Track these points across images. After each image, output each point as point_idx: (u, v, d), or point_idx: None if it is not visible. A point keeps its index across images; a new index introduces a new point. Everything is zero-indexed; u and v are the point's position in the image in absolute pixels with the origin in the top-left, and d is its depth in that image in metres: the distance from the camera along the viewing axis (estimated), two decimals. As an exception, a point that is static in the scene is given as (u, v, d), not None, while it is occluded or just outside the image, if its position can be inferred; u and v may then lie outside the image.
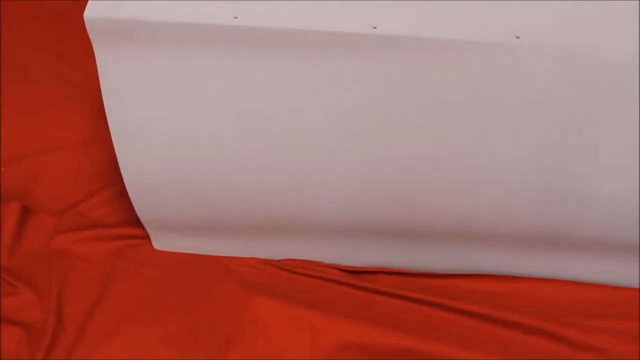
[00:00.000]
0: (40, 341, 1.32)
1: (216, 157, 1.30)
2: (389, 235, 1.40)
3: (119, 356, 1.32)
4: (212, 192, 1.35)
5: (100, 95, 1.22)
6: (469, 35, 1.11)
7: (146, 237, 1.50)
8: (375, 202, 1.33)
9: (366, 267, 1.46)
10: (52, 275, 1.43)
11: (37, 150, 1.65)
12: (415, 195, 1.31)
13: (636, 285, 1.40)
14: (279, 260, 1.47)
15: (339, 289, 1.41)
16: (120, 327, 1.36)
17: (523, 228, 1.34)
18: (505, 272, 1.44)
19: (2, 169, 1.62)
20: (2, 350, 1.31)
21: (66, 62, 1.82)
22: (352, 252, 1.45)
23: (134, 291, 1.42)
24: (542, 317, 1.34)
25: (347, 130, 1.24)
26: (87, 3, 1.13)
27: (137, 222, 1.47)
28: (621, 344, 1.30)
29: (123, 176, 1.34)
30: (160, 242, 1.50)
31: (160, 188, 1.36)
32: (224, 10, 1.13)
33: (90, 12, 1.12)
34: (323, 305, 1.37)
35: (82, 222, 1.53)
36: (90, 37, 1.15)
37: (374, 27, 1.11)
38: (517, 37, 1.10)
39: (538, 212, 1.31)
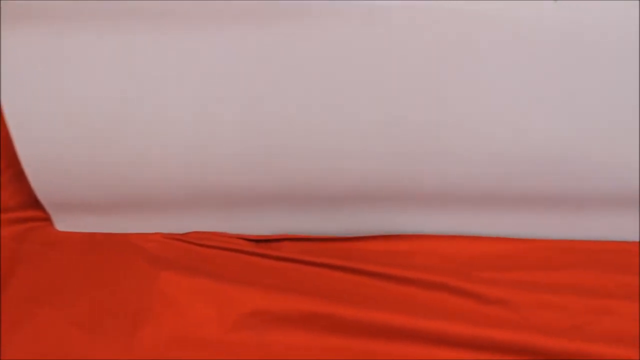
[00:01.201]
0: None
1: (115, 131, 1.29)
2: (292, 202, 1.41)
3: (28, 342, 1.30)
4: (112, 167, 1.35)
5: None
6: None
7: (49, 219, 1.49)
8: (273, 169, 1.34)
9: (272, 235, 1.47)
10: (-48, 262, 1.41)
11: None
12: (312, 160, 1.33)
13: (532, 236, 1.46)
14: (184, 234, 1.48)
15: (246, 258, 1.42)
16: (28, 312, 1.34)
17: (419, 187, 1.37)
18: (410, 232, 1.46)
19: None
20: None
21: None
22: (257, 221, 1.46)
23: (40, 275, 1.40)
24: (447, 273, 1.37)
25: (241, 99, 1.25)
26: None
27: (39, 204, 1.45)
28: (525, 294, 1.33)
29: (19, 156, 1.33)
30: (63, 223, 1.48)
31: (59, 166, 1.34)
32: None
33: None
34: (230, 276, 1.38)
35: (-20, 206, 1.50)
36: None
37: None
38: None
39: (430, 170, 1.34)
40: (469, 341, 1.25)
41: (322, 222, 1.47)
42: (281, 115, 1.27)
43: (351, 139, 1.30)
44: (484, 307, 1.32)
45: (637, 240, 1.43)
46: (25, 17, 1.15)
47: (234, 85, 1.24)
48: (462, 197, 1.39)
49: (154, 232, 1.47)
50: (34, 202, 1.46)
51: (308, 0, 1.14)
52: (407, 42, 1.18)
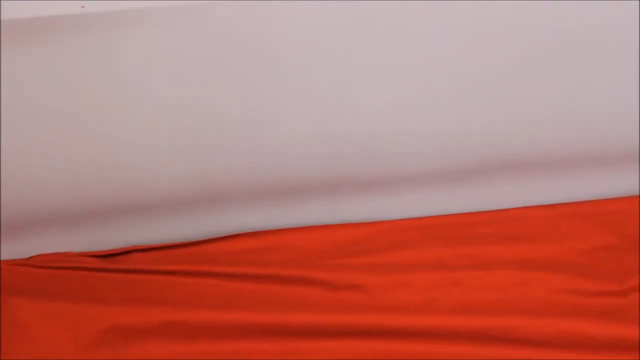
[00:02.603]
0: None
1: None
2: (134, 212, 1.40)
3: None
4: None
5: None
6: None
7: None
8: (110, 181, 1.33)
9: (118, 249, 1.45)
10: None
11: None
12: (144, 169, 1.32)
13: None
14: (27, 259, 1.43)
15: (95, 275, 1.39)
16: None
17: (258, 183, 1.38)
18: (259, 228, 1.47)
19: None
20: None
21: None
22: (102, 236, 1.44)
23: None
24: (300, 265, 1.38)
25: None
26: None
27: None
28: (376, 277, 1.36)
29: None
30: None
31: None
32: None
33: None
34: (81, 295, 1.35)
35: None
36: None
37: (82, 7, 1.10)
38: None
39: (263, 165, 1.36)
40: (327, 329, 1.27)
41: (169, 229, 1.45)
42: (103, 133, 1.26)
43: (179, 144, 1.30)
44: (338, 294, 1.34)
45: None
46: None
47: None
48: (301, 189, 1.41)
49: (-4, 260, 1.42)
50: None
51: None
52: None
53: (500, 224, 1.46)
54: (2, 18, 1.07)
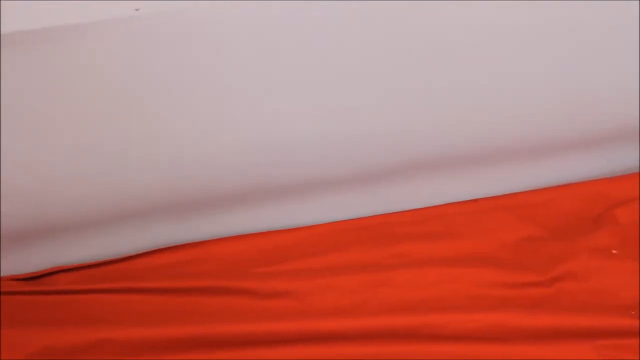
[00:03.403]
0: None
1: None
2: (57, 232, 1.38)
3: None
4: None
5: None
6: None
7: None
8: (29, 202, 1.31)
9: (43, 271, 1.42)
10: None
11: None
12: (66, 187, 1.31)
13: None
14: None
15: (19, 298, 1.36)
16: None
17: (179, 196, 1.38)
18: (189, 240, 1.46)
19: None
20: None
21: None
22: (25, 258, 1.41)
23: None
24: (227, 276, 1.38)
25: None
26: None
27: None
28: (305, 282, 1.36)
29: None
30: None
31: None
32: None
33: None
34: (8, 319, 1.32)
35: None
36: None
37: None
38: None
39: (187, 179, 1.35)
40: (258, 338, 1.27)
41: (95, 247, 1.44)
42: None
43: (98, 160, 1.28)
44: (268, 302, 1.34)
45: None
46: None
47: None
48: (223, 199, 1.41)
49: None
50: None
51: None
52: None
53: (425, 222, 1.47)
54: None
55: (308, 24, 1.18)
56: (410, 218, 1.48)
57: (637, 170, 1.55)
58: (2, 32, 1.07)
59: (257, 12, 1.15)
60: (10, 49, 1.09)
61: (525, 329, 1.26)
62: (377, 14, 1.18)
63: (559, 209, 1.49)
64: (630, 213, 1.43)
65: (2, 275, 1.41)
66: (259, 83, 1.23)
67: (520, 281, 1.34)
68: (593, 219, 1.46)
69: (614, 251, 1.38)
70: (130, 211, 1.38)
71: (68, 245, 1.41)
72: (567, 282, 1.34)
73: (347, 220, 1.48)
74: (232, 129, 1.29)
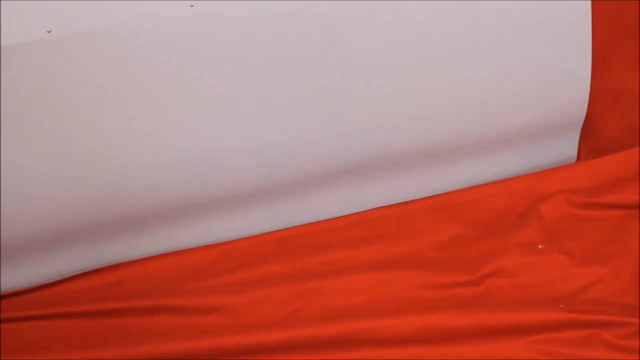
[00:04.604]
0: None
1: None
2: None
3: None
4: None
5: None
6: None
7: None
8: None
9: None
10: None
11: None
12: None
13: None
14: None
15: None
16: None
17: (104, 217, 1.36)
18: (118, 260, 1.43)
19: None
20: None
21: None
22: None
23: None
24: (158, 295, 1.36)
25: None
26: None
27: None
28: (235, 296, 1.35)
29: None
30: None
31: None
32: None
33: None
34: None
35: None
36: None
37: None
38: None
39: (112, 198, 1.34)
40: (192, 355, 1.25)
41: (25, 273, 1.41)
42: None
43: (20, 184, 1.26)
44: (199, 318, 1.33)
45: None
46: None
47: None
48: (149, 217, 1.39)
49: None
50: None
51: None
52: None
53: (354, 228, 1.47)
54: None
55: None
56: (339, 225, 1.48)
57: (563, 164, 1.58)
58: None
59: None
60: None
61: (458, 329, 1.26)
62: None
63: (486, 206, 1.49)
64: (554, 207, 1.45)
65: None
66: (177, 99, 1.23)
67: (451, 281, 1.35)
68: (519, 214, 1.47)
69: (540, 246, 1.40)
70: (51, 235, 1.35)
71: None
72: (496, 279, 1.35)
73: (275, 231, 1.47)
74: (150, 147, 1.27)
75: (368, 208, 1.50)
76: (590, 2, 1.38)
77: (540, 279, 1.34)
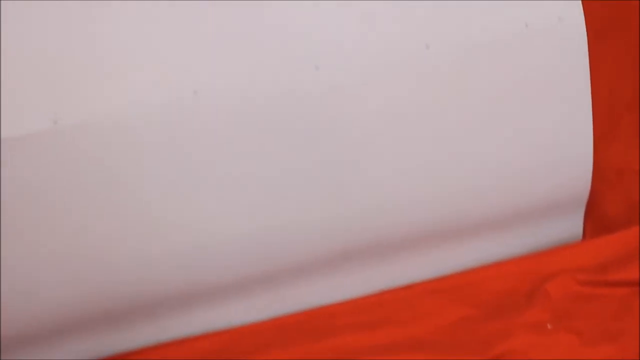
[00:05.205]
0: None
1: None
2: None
3: None
4: None
5: None
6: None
7: None
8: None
9: None
10: None
11: None
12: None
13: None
14: None
15: None
16: None
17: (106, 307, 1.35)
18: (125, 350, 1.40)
19: None
20: None
21: None
22: None
23: None
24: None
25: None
26: None
27: None
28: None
29: None
30: None
31: None
32: None
33: None
34: None
35: None
36: None
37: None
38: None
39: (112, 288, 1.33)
40: None
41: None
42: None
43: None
44: None
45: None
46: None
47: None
48: (153, 305, 1.38)
49: None
50: None
51: None
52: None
53: (361, 311, 1.45)
54: None
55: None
56: (346, 309, 1.46)
57: (569, 242, 1.57)
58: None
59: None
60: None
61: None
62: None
63: (492, 287, 1.48)
64: (561, 286, 1.44)
65: None
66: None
67: (459, 364, 1.33)
68: (526, 294, 1.46)
69: (549, 326, 1.38)
70: (53, 326, 1.34)
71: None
72: (507, 360, 1.33)
73: (282, 316, 1.45)
74: (152, 236, 1.29)
75: (371, 292, 1.48)
76: (589, 80, 1.39)
77: (550, 359, 1.33)
